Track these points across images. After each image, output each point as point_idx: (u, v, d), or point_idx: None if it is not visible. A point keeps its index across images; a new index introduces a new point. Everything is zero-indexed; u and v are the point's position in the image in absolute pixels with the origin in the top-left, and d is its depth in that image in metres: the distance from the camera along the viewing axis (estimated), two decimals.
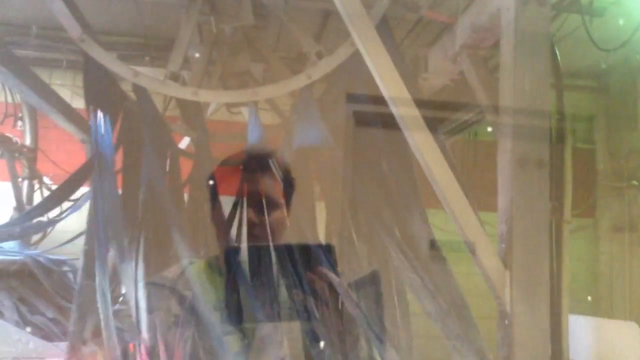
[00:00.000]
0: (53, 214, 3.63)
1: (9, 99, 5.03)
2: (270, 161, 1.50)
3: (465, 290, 5.70)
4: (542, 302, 2.01)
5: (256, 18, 3.44)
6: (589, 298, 5.35)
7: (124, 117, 3.48)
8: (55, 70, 5.70)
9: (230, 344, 1.35)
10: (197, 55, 3.95)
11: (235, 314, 1.34)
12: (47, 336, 2.70)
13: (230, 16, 3.36)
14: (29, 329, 2.63)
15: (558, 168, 2.40)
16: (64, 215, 3.61)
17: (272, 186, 1.46)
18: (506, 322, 2.02)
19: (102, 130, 3.09)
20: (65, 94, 5.07)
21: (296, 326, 1.39)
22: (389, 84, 2.10)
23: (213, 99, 3.44)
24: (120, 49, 5.28)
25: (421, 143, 2.07)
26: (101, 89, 3.11)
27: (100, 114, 2.97)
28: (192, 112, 3.95)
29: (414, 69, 3.32)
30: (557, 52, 2.46)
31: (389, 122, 2.99)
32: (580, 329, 2.90)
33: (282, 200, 1.47)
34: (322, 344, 1.34)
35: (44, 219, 3.55)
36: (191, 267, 1.51)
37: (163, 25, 5.21)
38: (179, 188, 4.06)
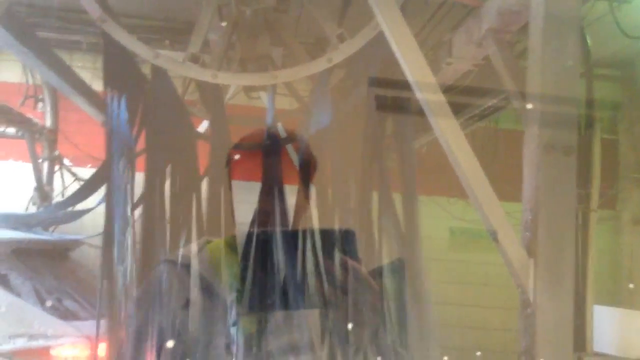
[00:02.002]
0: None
1: (30, 81, 5.07)
2: (291, 143, 1.48)
3: (481, 279, 5.64)
4: (567, 291, 1.97)
5: (277, 0, 3.40)
6: (631, 286, 5.26)
7: (145, 101, 3.47)
8: (76, 52, 5.72)
9: (245, 326, 1.33)
10: (216, 38, 3.92)
11: (251, 296, 1.33)
12: (64, 315, 2.72)
13: None
14: (45, 308, 2.65)
15: (585, 156, 2.35)
16: (96, 204, 3.65)
17: (292, 169, 1.44)
18: (529, 311, 1.98)
19: (122, 113, 3.09)
20: (86, 76, 5.07)
21: (312, 314, 1.37)
22: (414, 68, 2.06)
23: (232, 82, 3.41)
24: (141, 32, 5.28)
25: (446, 129, 2.03)
26: (121, 71, 3.10)
27: (119, 97, 2.96)
28: (211, 96, 3.93)
29: (437, 53, 3.26)
30: (587, 37, 2.40)
31: (407, 107, 2.96)
32: (605, 320, 2.86)
33: (303, 184, 1.45)
34: (338, 331, 1.32)
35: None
36: (208, 246, 1.49)
37: (183, 9, 5.19)
38: (197, 171, 4.05)
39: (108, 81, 2.89)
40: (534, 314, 1.96)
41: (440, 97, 2.03)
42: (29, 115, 4.48)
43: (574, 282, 1.98)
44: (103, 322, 2.94)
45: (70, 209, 3.53)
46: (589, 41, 2.41)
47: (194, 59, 2.93)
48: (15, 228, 3.14)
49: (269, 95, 3.31)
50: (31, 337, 2.54)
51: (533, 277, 1.97)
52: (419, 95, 2.06)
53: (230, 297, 1.35)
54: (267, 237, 1.38)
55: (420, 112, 3.14)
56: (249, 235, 1.37)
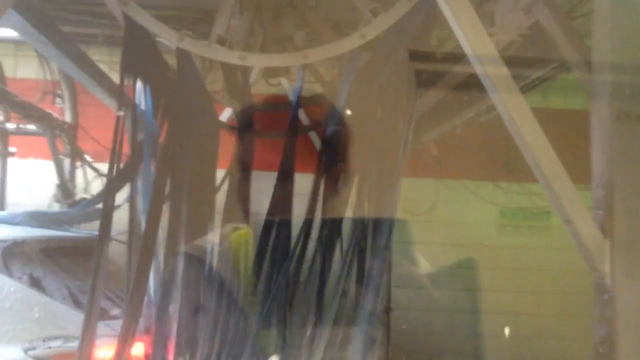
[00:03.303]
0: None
1: (48, 77, 4.96)
2: (314, 130, 1.33)
3: (536, 265, 5.32)
4: None
5: None
6: None
7: (169, 89, 3.33)
8: (92, 45, 5.61)
9: (263, 340, 1.21)
10: (237, 23, 3.78)
11: (268, 308, 1.19)
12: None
13: None
14: (78, 308, 2.54)
15: None
16: (123, 201, 3.56)
17: (314, 157, 1.29)
18: (605, 297, 1.82)
19: (145, 102, 2.96)
20: (102, 69, 4.97)
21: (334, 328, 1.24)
22: (474, 39, 1.89)
23: (262, 64, 3.25)
24: (168, 22, 5.15)
25: (511, 105, 1.85)
26: (144, 57, 2.96)
27: (142, 85, 2.82)
28: (237, 81, 3.78)
29: None
30: None
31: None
32: None
33: (329, 171, 1.30)
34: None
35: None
36: (234, 235, 1.36)
37: None
38: (215, 161, 3.92)
39: (129, 68, 2.75)
40: (612, 300, 1.80)
41: (504, 70, 1.86)
42: (49, 110, 4.37)
43: None
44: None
45: (98, 206, 3.42)
46: None
47: (221, 41, 2.77)
48: (44, 226, 3.04)
49: (298, 75, 3.15)
50: (66, 339, 2.44)
51: (610, 260, 1.81)
52: (479, 68, 1.89)
53: (245, 298, 1.22)
54: (286, 231, 1.24)
55: (457, 88, 2.94)
56: (265, 227, 1.24)
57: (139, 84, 2.92)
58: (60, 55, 3.05)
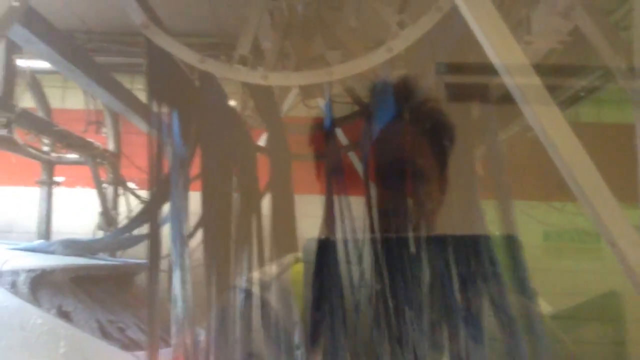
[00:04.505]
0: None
1: (92, 107, 5.09)
2: (352, 150, 1.23)
3: (572, 288, 5.10)
4: None
5: None
6: None
7: (199, 114, 3.32)
8: (137, 75, 5.75)
9: None
10: (269, 45, 3.74)
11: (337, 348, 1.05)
12: (126, 346, 2.55)
13: None
14: (107, 339, 2.50)
15: None
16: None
17: (355, 179, 1.18)
18: None
19: (173, 127, 2.93)
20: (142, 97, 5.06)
21: None
22: (501, 47, 1.75)
23: (284, 82, 3.17)
24: (197, 50, 5.20)
25: (546, 119, 1.70)
26: (169, 81, 2.95)
27: (168, 110, 2.80)
28: (265, 103, 3.73)
29: (513, 33, 2.90)
30: None
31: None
32: None
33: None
34: None
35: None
36: (295, 267, 1.24)
37: (238, 24, 5.10)
38: (256, 187, 3.86)
39: (154, 94, 2.73)
40: None
41: (536, 81, 1.71)
42: (90, 139, 4.45)
43: None
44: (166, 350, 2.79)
45: (133, 232, 3.41)
46: None
47: (243, 61, 2.73)
48: (77, 254, 3.04)
49: (325, 95, 3.06)
50: None
51: None
52: (508, 79, 1.75)
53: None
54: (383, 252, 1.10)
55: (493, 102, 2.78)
56: (320, 254, 1.11)
57: (168, 108, 2.91)
58: (92, 83, 3.09)
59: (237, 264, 3.02)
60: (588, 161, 1.70)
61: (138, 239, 3.62)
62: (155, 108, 2.68)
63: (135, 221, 3.35)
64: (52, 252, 2.95)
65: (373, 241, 1.15)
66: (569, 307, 4.78)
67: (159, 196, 3.21)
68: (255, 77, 2.62)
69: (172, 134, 2.82)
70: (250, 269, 2.98)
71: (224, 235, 3.05)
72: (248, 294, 1.20)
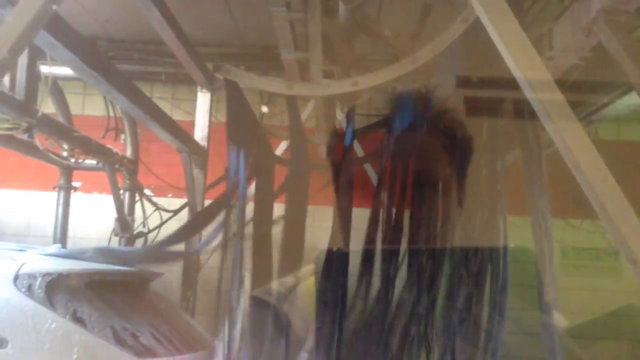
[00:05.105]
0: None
1: (111, 113, 5.14)
2: (369, 162, 1.22)
3: (590, 307, 5.02)
4: None
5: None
6: None
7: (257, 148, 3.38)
8: (156, 83, 5.81)
9: None
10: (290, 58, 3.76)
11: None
12: (139, 352, 2.54)
13: None
14: (120, 345, 2.49)
15: None
16: (200, 246, 3.61)
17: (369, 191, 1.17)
18: None
19: (240, 165, 2.96)
20: (165, 106, 5.11)
21: None
22: (523, 62, 1.74)
23: (308, 92, 3.21)
24: (217, 59, 5.26)
25: (568, 134, 1.68)
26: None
27: (239, 149, 2.84)
28: (288, 113, 3.76)
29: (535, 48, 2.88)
30: None
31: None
32: None
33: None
34: None
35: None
36: (310, 280, 1.24)
37: (257, 34, 5.13)
38: (271, 198, 3.88)
39: (232, 135, 2.79)
40: None
41: (559, 96, 1.70)
42: (109, 145, 4.48)
43: None
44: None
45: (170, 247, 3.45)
46: None
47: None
48: (112, 264, 3.01)
49: (347, 109, 3.07)
50: None
51: None
52: (530, 95, 1.74)
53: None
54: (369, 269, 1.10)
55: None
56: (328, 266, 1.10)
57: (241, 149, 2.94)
58: (113, 90, 3.12)
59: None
60: (611, 179, 1.68)
61: (175, 256, 3.61)
62: (232, 148, 2.74)
63: (176, 237, 3.37)
64: (86, 259, 2.93)
65: (385, 252, 1.15)
66: (586, 320, 4.70)
67: (198, 220, 3.27)
68: (281, 87, 2.66)
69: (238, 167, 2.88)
70: (270, 280, 2.99)
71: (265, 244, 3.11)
72: (265, 304, 1.21)
